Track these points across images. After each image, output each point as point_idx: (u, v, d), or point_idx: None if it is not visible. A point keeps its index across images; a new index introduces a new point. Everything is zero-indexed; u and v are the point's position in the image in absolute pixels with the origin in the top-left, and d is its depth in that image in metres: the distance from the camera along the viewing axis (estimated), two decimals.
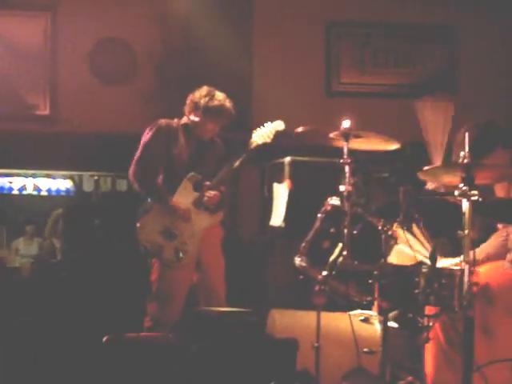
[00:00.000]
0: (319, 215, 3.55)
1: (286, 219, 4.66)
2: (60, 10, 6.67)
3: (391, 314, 3.60)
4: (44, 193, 10.28)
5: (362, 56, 7.04)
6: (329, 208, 3.55)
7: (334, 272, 3.37)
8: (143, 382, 2.82)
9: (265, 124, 4.42)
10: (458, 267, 3.33)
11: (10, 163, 7.18)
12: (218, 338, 2.97)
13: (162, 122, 4.58)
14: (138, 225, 4.41)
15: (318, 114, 6.81)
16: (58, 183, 10.35)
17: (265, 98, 6.59)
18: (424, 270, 3.39)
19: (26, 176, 10.10)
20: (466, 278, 3.17)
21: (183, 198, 4.37)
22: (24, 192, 10.22)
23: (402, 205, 3.33)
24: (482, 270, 3.76)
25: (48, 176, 10.15)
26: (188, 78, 6.64)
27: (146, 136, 4.54)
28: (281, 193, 4.82)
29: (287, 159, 4.92)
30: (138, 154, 4.52)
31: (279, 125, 4.39)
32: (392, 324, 3.84)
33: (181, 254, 4.26)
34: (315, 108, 6.89)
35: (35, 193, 10.26)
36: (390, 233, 3.38)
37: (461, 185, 3.19)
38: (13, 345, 4.84)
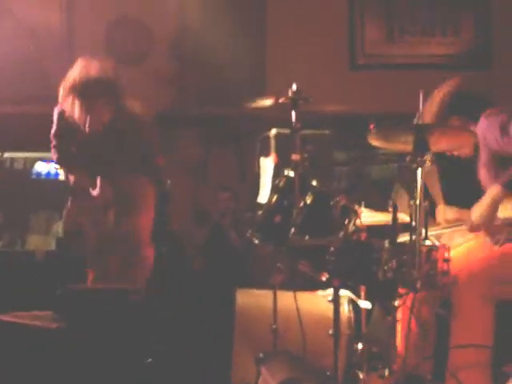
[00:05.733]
0: (272, 187, 3.31)
1: None
2: None
3: None
4: None
5: (387, 27, 6.68)
6: (284, 179, 3.31)
7: (283, 248, 3.13)
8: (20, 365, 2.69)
9: None
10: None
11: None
12: (88, 316, 2.80)
13: None
14: None
15: (342, 88, 6.54)
16: None
17: (281, 73, 6.34)
18: (386, 245, 3.12)
19: None
20: (417, 253, 2.89)
21: None
22: None
23: (351, 174, 3.07)
24: (463, 246, 3.48)
25: None
26: (204, 55, 6.51)
27: None
28: (267, 168, 4.59)
29: (272, 132, 4.68)
30: None
31: None
32: (364, 304, 3.59)
33: None
34: (338, 82, 6.61)
35: None
36: (343, 204, 3.11)
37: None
38: None
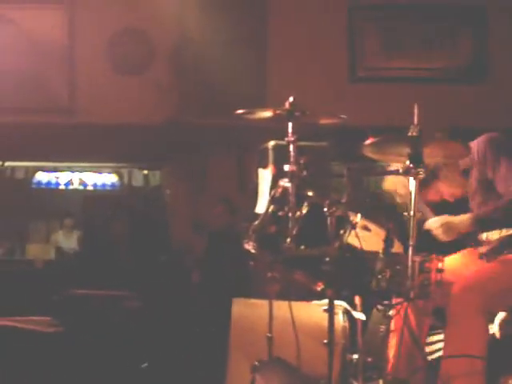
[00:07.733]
0: (269, 198, 3.34)
1: None
2: (77, 2, 6.68)
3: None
4: (90, 187, 10.41)
5: (386, 40, 6.74)
6: (280, 190, 3.34)
7: (278, 258, 3.16)
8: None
9: None
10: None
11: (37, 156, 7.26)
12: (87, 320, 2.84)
13: None
14: None
15: (341, 100, 6.59)
16: (104, 178, 10.44)
17: (281, 84, 6.40)
18: (381, 256, 3.16)
19: (72, 171, 10.27)
20: (409, 263, 2.92)
21: None
22: (70, 187, 10.37)
23: (346, 185, 3.10)
24: (456, 257, 3.52)
25: (94, 171, 10.27)
26: (203, 66, 6.57)
27: None
28: (265, 179, 4.62)
29: (271, 143, 4.72)
30: None
31: None
32: (358, 315, 3.62)
33: None
34: (338, 94, 6.66)
35: (81, 187, 10.40)
36: (338, 215, 3.13)
37: (407, 161, 2.94)
38: None
